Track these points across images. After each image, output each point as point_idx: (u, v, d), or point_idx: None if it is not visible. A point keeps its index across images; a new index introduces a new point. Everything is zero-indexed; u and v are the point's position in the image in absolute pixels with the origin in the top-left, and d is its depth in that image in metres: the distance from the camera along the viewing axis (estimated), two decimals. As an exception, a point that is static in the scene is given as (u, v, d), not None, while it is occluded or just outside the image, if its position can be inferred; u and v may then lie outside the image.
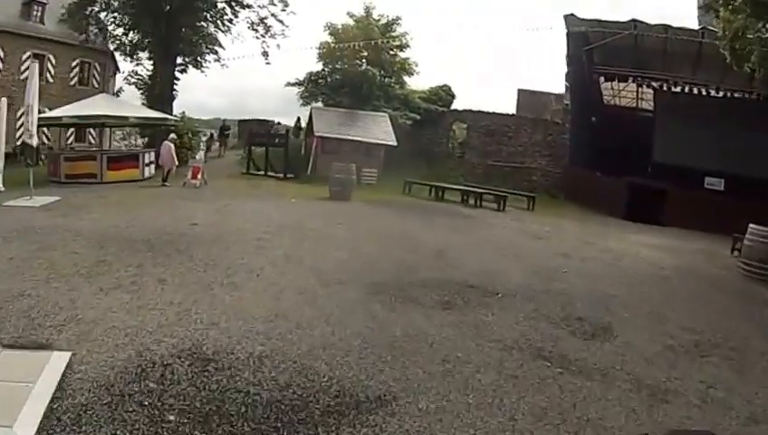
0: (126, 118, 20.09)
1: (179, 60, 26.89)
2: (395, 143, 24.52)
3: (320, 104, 27.87)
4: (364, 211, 15.46)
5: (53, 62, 30.74)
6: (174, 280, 6.80)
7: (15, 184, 15.02)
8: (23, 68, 29.62)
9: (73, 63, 32.35)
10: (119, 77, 35.73)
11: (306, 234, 11.01)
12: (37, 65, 15.35)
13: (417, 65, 30.78)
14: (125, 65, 42.72)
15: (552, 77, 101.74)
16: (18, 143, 15.98)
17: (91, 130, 30.98)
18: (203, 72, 30.61)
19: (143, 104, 25.84)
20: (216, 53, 27.83)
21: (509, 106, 41.71)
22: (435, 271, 8.59)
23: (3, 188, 14.73)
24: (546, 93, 33.59)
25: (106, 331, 4.95)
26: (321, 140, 23.66)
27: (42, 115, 18.67)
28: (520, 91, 35.25)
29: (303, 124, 29.04)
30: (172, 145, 19.29)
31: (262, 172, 22.87)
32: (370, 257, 9.23)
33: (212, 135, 32.63)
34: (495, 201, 19.63)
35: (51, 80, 30.73)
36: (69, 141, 29.78)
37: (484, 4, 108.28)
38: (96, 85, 33.59)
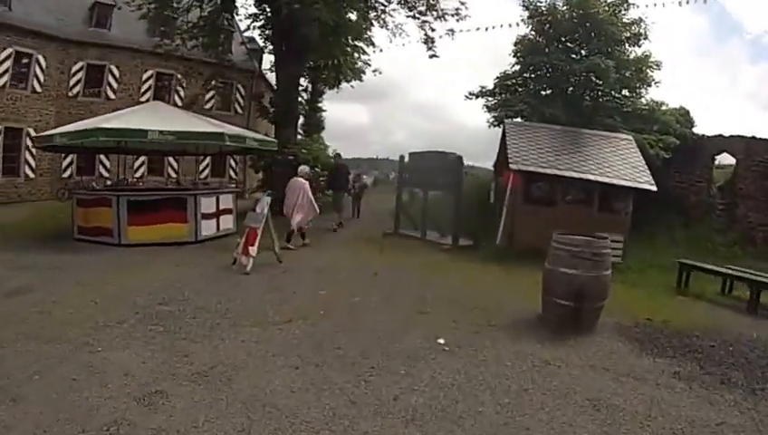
0: (173, 134, 10.51)
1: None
2: (653, 186, 13.04)
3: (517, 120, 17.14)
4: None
5: (183, 83, 24.91)
6: None
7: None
8: (143, 88, 24.59)
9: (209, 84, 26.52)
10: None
11: None
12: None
13: (658, 67, 18.90)
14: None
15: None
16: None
17: (172, 160, 24.50)
18: (348, 81, 22.70)
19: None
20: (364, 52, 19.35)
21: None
22: None
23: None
24: None
25: None
26: (520, 179, 13.00)
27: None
28: None
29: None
30: (306, 183, 11.42)
31: (417, 234, 13.27)
32: None
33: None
34: None
35: (179, 102, 25.06)
36: (138, 174, 23.40)
37: None
38: (239, 111, 27.53)
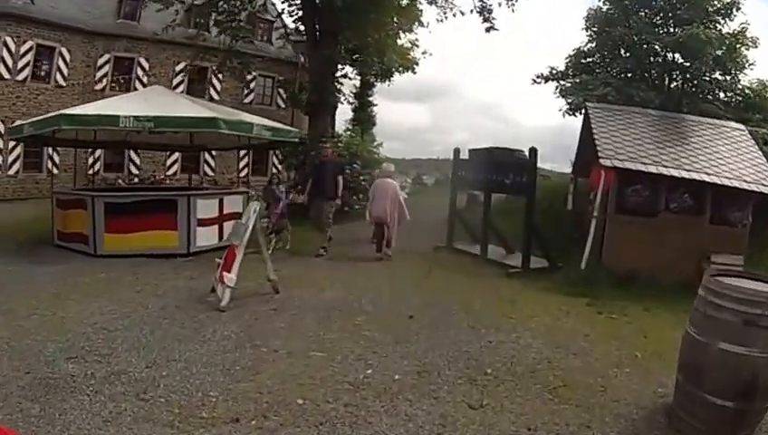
0: (151, 120, 8.14)
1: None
2: (774, 188, 9.54)
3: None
4: None
5: (220, 76, 22.93)
6: None
7: None
8: (175, 81, 22.73)
9: (249, 77, 24.52)
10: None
11: None
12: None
13: (754, 45, 15.30)
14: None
15: None
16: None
17: (208, 157, 22.46)
18: (398, 70, 20.00)
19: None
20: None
21: None
22: None
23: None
24: None
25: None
26: (617, 177, 9.33)
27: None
28: None
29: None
30: (397, 184, 10.08)
31: (475, 249, 10.10)
32: None
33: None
34: None
35: (215, 96, 23.17)
36: (171, 171, 21.47)
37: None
38: (282, 105, 25.34)
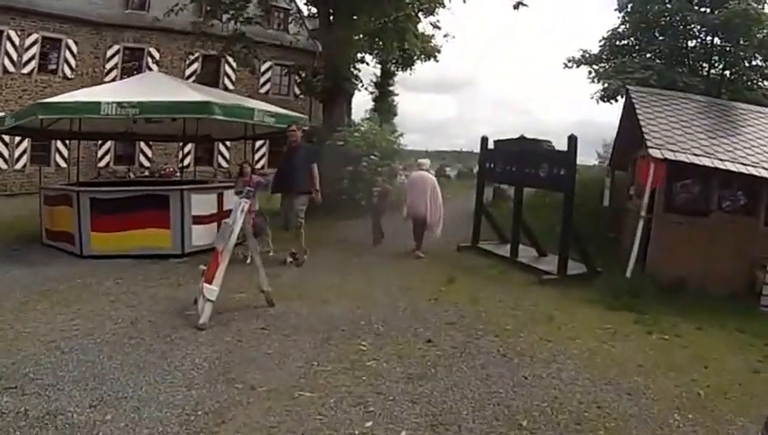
0: (136, 106, 7.18)
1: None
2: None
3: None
4: None
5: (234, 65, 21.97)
6: None
7: None
8: (187, 72, 21.96)
9: (264, 67, 23.67)
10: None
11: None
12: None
13: None
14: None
15: None
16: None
17: (222, 148, 21.56)
18: (420, 57, 18.87)
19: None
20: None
21: None
22: None
23: None
24: None
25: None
26: (666, 168, 7.59)
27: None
28: None
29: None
30: (434, 178, 9.39)
31: (503, 251, 9.00)
32: None
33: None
34: None
35: (230, 86, 22.36)
36: (184, 163, 20.74)
37: None
38: (300, 95, 24.25)
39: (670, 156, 7.53)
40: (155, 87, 8.26)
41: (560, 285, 7.12)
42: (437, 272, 7.64)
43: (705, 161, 7.73)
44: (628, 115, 10.03)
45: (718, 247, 7.46)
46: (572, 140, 7.51)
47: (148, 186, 9.48)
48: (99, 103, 7.09)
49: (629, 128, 9.90)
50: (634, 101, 9.38)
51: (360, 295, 6.24)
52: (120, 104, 7.10)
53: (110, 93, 7.89)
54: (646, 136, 7.84)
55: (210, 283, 4.89)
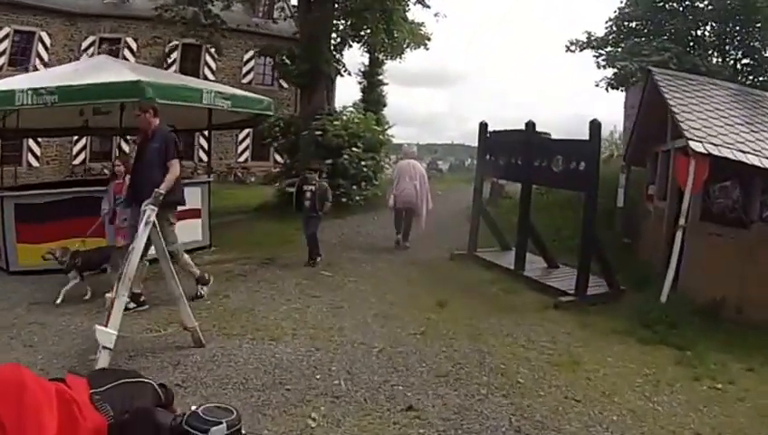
0: (54, 93, 5.84)
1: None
2: None
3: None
4: None
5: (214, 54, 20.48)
6: None
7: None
8: (167, 62, 20.47)
9: (246, 56, 22.20)
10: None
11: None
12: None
13: None
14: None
15: None
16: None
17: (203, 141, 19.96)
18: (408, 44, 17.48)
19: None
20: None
21: None
22: None
23: None
24: None
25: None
26: (707, 165, 6.12)
27: None
28: None
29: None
30: (419, 165, 9.07)
31: (507, 262, 7.46)
32: None
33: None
34: None
35: (211, 77, 20.87)
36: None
37: None
38: (285, 84, 22.83)
39: (714, 151, 6.13)
40: (86, 72, 6.82)
41: (579, 310, 5.72)
42: (426, 289, 6.25)
43: (754, 160, 6.30)
44: (650, 103, 8.61)
45: (759, 265, 6.04)
46: (596, 126, 6.07)
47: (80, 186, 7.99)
48: (14, 92, 5.92)
49: (651, 115, 8.50)
50: (660, 85, 7.92)
51: (324, 327, 4.83)
52: (36, 91, 5.87)
53: (27, 80, 6.47)
54: (683, 126, 6.43)
55: (106, 324, 3.45)
